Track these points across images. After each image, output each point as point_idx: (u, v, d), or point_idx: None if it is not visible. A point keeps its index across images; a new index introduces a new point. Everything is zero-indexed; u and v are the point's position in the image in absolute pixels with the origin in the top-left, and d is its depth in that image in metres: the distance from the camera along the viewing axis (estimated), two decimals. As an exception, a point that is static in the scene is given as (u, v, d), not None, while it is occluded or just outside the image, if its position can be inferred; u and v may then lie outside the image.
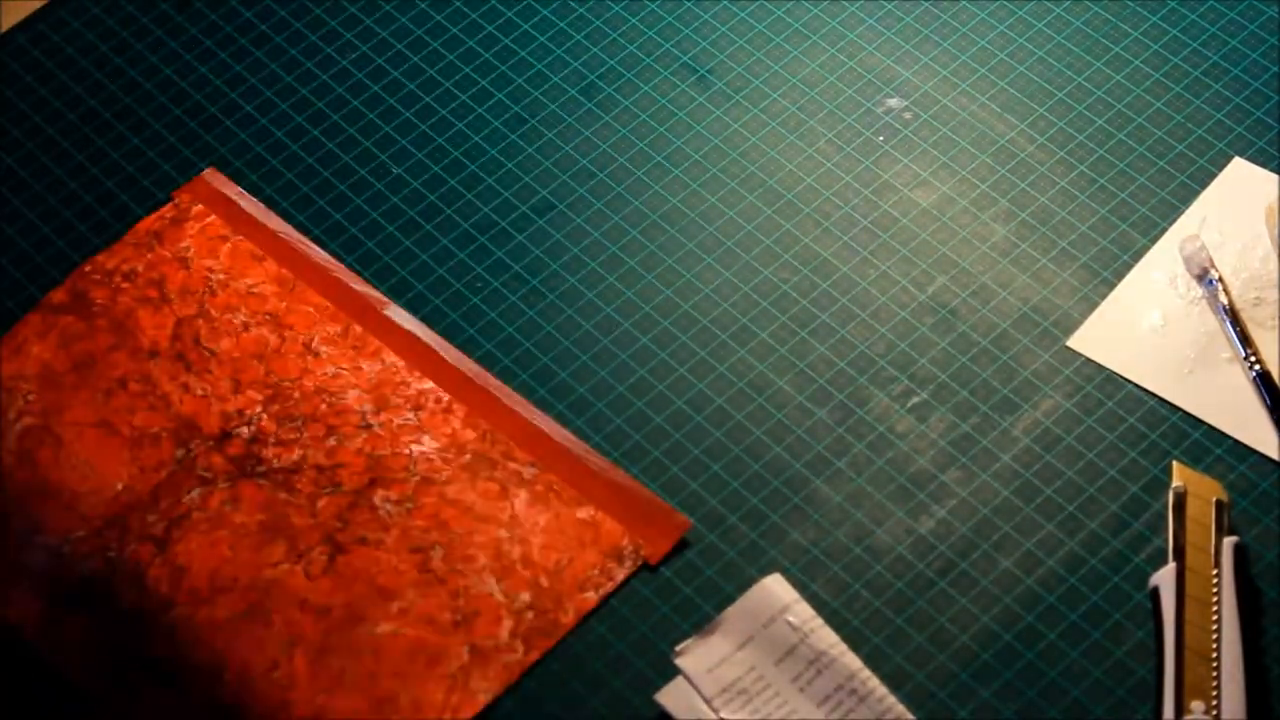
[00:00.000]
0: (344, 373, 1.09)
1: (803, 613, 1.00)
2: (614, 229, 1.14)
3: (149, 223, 1.16)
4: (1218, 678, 0.95)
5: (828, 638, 0.99)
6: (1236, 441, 1.04)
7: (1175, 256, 1.10)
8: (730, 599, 1.01)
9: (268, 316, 1.11)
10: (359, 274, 1.13)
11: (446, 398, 1.08)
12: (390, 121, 1.19)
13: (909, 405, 1.07)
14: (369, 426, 1.08)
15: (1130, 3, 1.20)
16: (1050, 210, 1.12)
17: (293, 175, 1.17)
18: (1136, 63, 1.17)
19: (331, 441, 1.07)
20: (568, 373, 1.09)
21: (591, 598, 1.01)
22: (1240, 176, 1.12)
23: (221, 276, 1.13)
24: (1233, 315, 1.07)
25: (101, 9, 1.26)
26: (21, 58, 1.24)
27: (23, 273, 1.15)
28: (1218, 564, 0.98)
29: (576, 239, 1.14)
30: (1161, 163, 1.13)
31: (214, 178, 1.17)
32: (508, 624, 1.01)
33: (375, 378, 1.09)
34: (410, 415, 1.08)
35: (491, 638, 1.01)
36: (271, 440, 1.08)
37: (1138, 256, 1.10)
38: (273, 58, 1.23)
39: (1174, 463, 1.03)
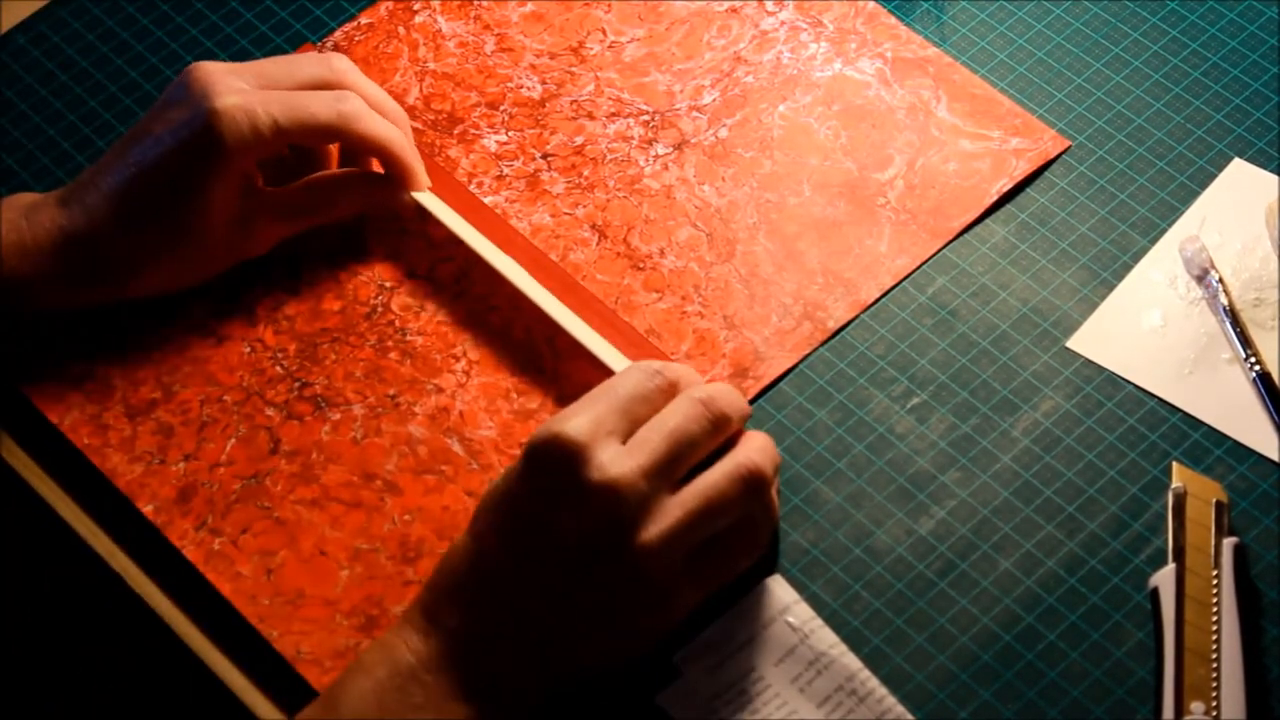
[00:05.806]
0: None
1: (803, 613, 1.00)
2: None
3: None
4: (1217, 678, 0.95)
5: (827, 638, 0.99)
6: (1236, 442, 1.04)
7: (1175, 257, 1.10)
8: (730, 599, 1.01)
9: None
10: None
11: None
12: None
13: (909, 406, 1.07)
14: None
15: (1130, 4, 1.20)
16: (1050, 211, 1.12)
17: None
18: (1136, 64, 1.17)
19: None
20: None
21: None
22: (1240, 177, 1.12)
23: None
24: (1233, 316, 1.07)
25: (102, 10, 1.26)
26: (21, 58, 1.24)
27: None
28: (1217, 565, 0.98)
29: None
30: (1161, 164, 1.13)
31: None
32: None
33: None
34: None
35: None
36: None
37: (1137, 257, 1.10)
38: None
39: (1174, 463, 1.03)
